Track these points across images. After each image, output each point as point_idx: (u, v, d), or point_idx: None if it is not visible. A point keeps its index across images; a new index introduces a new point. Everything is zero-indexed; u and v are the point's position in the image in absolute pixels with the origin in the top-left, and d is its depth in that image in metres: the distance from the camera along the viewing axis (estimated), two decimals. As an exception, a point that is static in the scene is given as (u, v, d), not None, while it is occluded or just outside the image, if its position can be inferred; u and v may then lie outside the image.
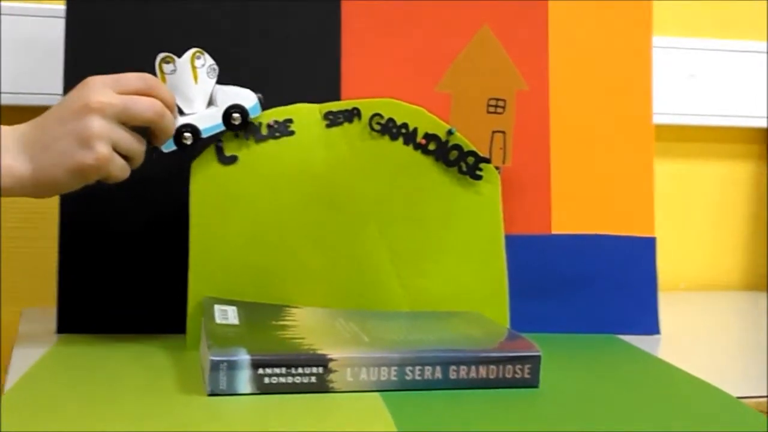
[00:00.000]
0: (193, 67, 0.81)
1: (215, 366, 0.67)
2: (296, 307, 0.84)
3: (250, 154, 0.84)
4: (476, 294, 0.87)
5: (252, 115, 0.83)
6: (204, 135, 0.82)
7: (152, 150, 0.78)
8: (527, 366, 0.73)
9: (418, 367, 0.71)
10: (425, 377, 0.71)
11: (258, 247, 0.84)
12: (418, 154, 0.87)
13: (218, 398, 0.67)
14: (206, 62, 0.82)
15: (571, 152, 0.95)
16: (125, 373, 0.74)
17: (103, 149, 0.72)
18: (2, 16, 1.04)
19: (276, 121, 0.85)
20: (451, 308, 0.87)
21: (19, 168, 0.73)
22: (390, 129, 0.86)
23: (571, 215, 0.94)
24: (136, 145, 0.76)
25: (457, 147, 0.87)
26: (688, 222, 1.30)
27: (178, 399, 0.68)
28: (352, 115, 0.86)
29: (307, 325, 0.78)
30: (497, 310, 0.87)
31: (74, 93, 0.75)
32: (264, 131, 0.85)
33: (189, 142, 0.81)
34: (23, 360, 0.77)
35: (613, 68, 0.96)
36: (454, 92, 0.93)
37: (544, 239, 0.94)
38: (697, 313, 1.15)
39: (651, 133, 0.97)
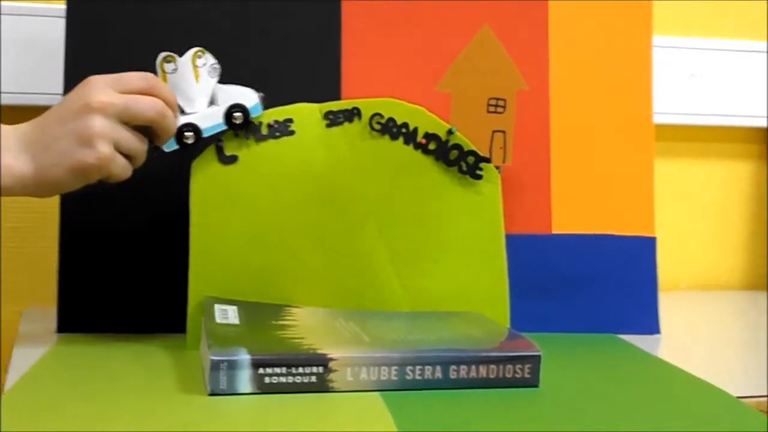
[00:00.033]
0: (195, 67, 0.81)
1: (215, 366, 0.67)
2: (296, 307, 0.84)
3: (250, 153, 0.84)
4: (476, 294, 0.87)
5: (253, 115, 0.83)
6: (205, 134, 0.82)
7: (153, 149, 0.78)
8: (527, 366, 0.73)
9: (418, 367, 0.71)
10: (425, 377, 0.71)
11: (258, 247, 0.84)
12: (418, 154, 0.87)
13: (218, 398, 0.67)
14: (207, 61, 0.82)
15: (571, 152, 0.95)
16: (125, 373, 0.74)
17: (104, 148, 0.72)
18: (2, 16, 1.04)
19: (276, 121, 0.85)
20: (451, 308, 0.87)
21: (20, 167, 0.73)
22: (390, 128, 0.86)
23: (572, 215, 0.94)
24: (137, 145, 0.76)
25: (458, 146, 0.87)
26: (688, 222, 1.30)
27: (179, 399, 0.68)
28: (352, 114, 0.86)
29: (307, 325, 0.78)
30: (497, 309, 0.87)
31: (75, 92, 0.75)
32: (264, 131, 0.85)
33: (190, 142, 0.81)
34: (23, 359, 0.77)
35: (613, 68, 0.96)
36: (455, 92, 0.93)
37: (545, 239, 0.94)
38: (697, 313, 1.15)
39: (651, 133, 0.97)
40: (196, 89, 0.81)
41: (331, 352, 0.70)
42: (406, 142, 0.87)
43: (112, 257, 0.88)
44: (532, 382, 0.73)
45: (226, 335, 0.72)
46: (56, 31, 0.95)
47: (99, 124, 0.72)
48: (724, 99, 1.26)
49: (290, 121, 0.85)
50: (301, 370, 0.69)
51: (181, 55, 0.81)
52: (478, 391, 0.71)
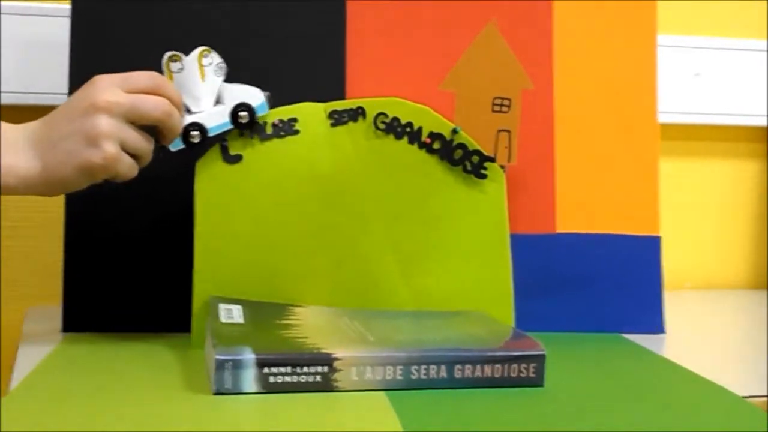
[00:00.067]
0: (201, 66, 0.81)
1: (220, 365, 0.67)
2: (301, 306, 0.84)
3: (254, 153, 0.84)
4: (481, 293, 0.87)
5: (259, 114, 0.83)
6: (211, 133, 0.82)
7: (160, 149, 0.79)
8: (532, 365, 0.73)
9: (423, 366, 0.71)
10: (430, 376, 0.71)
11: (263, 246, 0.84)
12: (422, 153, 0.87)
13: (223, 397, 0.67)
14: (213, 60, 0.82)
15: (576, 151, 0.95)
16: (131, 372, 0.74)
17: (110, 148, 0.73)
18: (3, 16, 1.04)
19: (281, 120, 0.85)
20: (456, 307, 0.87)
21: (26, 166, 0.73)
22: (394, 128, 0.86)
23: (576, 214, 0.94)
24: (143, 144, 0.76)
25: (462, 146, 0.87)
26: (693, 221, 1.30)
27: (184, 398, 0.68)
28: (356, 114, 0.86)
29: (312, 324, 0.78)
30: (502, 309, 0.87)
31: (82, 92, 0.75)
32: (269, 130, 0.85)
33: (196, 141, 0.81)
34: (29, 359, 0.77)
35: (618, 67, 0.96)
36: (459, 91, 0.93)
37: (549, 238, 0.94)
38: (702, 312, 1.15)
39: (656, 132, 0.97)
40: (202, 88, 0.81)
41: (336, 352, 0.70)
42: (411, 142, 0.87)
43: (118, 257, 0.88)
44: (537, 382, 0.73)
45: (231, 335, 0.73)
46: (56, 30, 0.95)
47: (105, 123, 0.72)
48: (729, 98, 1.26)
49: (295, 120, 0.85)
50: (305, 369, 0.69)
51: (187, 54, 0.81)
52: (483, 390, 0.71)
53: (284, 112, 0.85)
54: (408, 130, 0.86)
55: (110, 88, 0.74)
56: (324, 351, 0.70)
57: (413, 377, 0.71)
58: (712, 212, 1.31)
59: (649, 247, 0.95)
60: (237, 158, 0.84)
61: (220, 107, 0.82)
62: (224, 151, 0.84)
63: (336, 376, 0.69)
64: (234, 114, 0.82)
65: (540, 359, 0.73)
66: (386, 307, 0.86)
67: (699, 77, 1.25)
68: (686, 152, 1.29)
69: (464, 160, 0.87)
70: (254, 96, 0.83)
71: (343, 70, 0.92)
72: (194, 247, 0.83)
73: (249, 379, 0.68)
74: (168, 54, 0.80)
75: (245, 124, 0.83)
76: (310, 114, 0.86)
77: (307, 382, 0.69)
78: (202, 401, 0.67)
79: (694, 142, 1.30)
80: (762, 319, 1.09)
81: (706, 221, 1.31)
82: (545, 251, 0.93)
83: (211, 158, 0.84)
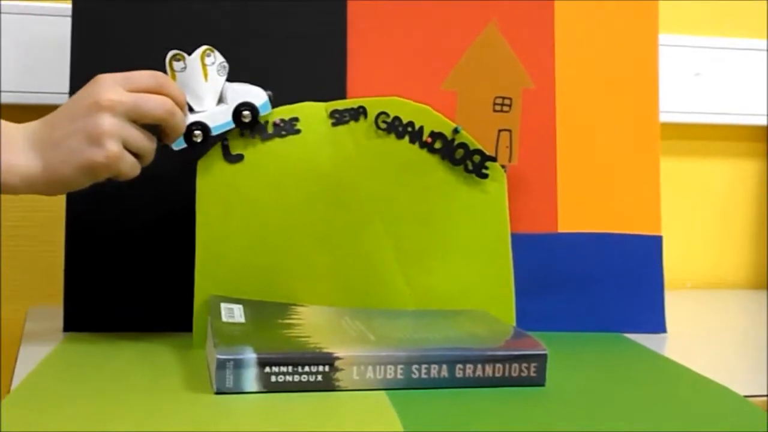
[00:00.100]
0: (204, 65, 0.81)
1: (222, 364, 0.67)
2: (302, 306, 0.84)
3: (256, 152, 0.84)
4: (482, 292, 0.87)
5: (262, 113, 0.83)
6: (214, 133, 0.82)
7: (162, 148, 0.78)
8: (533, 364, 0.73)
9: (424, 366, 0.71)
10: (431, 376, 0.71)
11: (264, 246, 0.84)
12: (423, 153, 0.87)
13: (225, 396, 0.67)
14: (216, 60, 0.82)
15: (577, 150, 0.95)
16: (132, 372, 0.74)
17: (113, 147, 0.73)
18: (4, 15, 1.04)
19: (282, 120, 0.85)
20: (457, 306, 0.87)
21: (28, 165, 0.73)
22: (396, 127, 0.86)
23: (578, 214, 0.94)
24: (146, 143, 0.76)
25: (463, 145, 0.87)
26: (694, 220, 1.30)
27: (185, 397, 0.68)
28: (358, 113, 0.86)
29: (313, 324, 0.78)
30: (503, 308, 0.87)
31: (85, 90, 0.75)
32: (270, 130, 0.85)
33: (199, 140, 0.81)
34: (30, 358, 0.77)
35: (619, 67, 0.96)
36: (460, 90, 0.93)
37: (551, 238, 0.94)
38: (703, 312, 1.15)
39: (657, 132, 0.96)
40: (205, 87, 0.81)
41: (337, 351, 0.70)
42: (412, 141, 0.87)
43: (118, 256, 0.88)
44: (538, 381, 0.73)
45: (232, 334, 0.73)
46: (57, 30, 0.95)
47: (108, 122, 0.72)
48: (729, 98, 1.26)
49: (296, 119, 0.85)
50: (307, 368, 0.69)
51: (189, 53, 0.81)
52: (484, 390, 0.71)
53: (285, 112, 0.85)
54: (409, 129, 0.86)
55: (113, 87, 0.74)
56: (325, 350, 0.70)
57: (414, 377, 0.71)
58: (713, 212, 1.31)
59: (651, 247, 0.95)
60: (238, 158, 0.84)
61: (222, 106, 0.82)
62: (225, 150, 0.84)
63: (337, 375, 0.69)
64: (237, 113, 0.82)
65: (541, 359, 0.73)
66: (387, 307, 0.86)
67: (699, 77, 1.24)
68: (686, 152, 1.29)
69: (465, 159, 0.87)
70: (257, 95, 0.83)
71: (344, 70, 0.92)
72: (195, 247, 0.83)
73: (250, 379, 0.68)
74: (171, 53, 0.80)
75: (248, 124, 0.83)
76: (312, 113, 0.86)
77: (308, 382, 0.69)
78: (203, 401, 0.67)
79: (694, 142, 1.30)
80: (762, 319, 1.09)
81: (706, 221, 1.31)
82: (546, 251, 0.93)
83: (212, 158, 0.84)
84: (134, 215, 0.89)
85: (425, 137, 0.87)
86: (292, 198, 0.85)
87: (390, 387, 0.70)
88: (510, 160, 0.93)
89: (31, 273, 1.10)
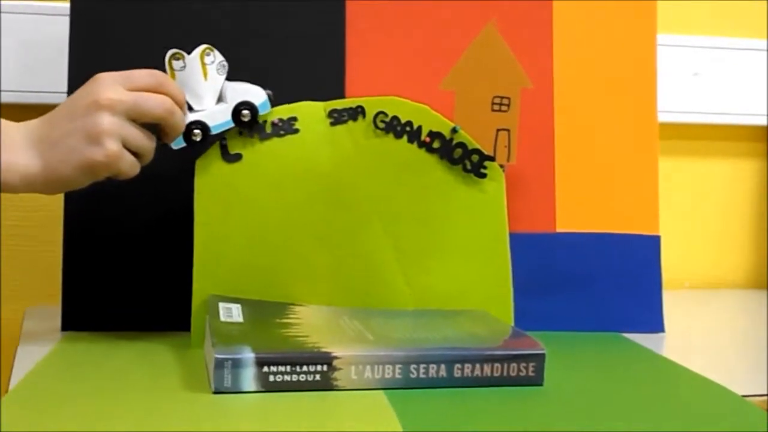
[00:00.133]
0: (203, 64, 0.81)
1: (220, 364, 0.67)
2: (301, 305, 0.84)
3: (254, 152, 0.84)
4: (481, 292, 0.87)
5: (261, 112, 0.83)
6: (213, 132, 0.82)
7: (161, 147, 0.78)
8: (532, 364, 0.73)
9: (422, 365, 0.71)
10: (430, 375, 0.71)
11: (262, 245, 0.84)
12: (422, 152, 0.87)
13: (223, 396, 0.67)
14: (216, 59, 0.81)
15: (575, 150, 0.95)
16: (130, 371, 0.74)
17: (112, 146, 0.73)
18: (4, 15, 1.04)
19: (280, 119, 0.85)
20: (455, 306, 0.86)
21: (27, 164, 0.73)
22: (394, 127, 0.86)
23: (576, 213, 0.94)
24: (146, 142, 0.76)
25: (462, 145, 0.87)
26: (692, 220, 1.30)
27: (183, 397, 0.68)
28: (356, 113, 0.86)
29: (311, 323, 0.78)
30: (502, 308, 0.87)
31: (84, 89, 0.75)
32: (268, 129, 0.85)
33: (198, 139, 0.81)
34: (28, 358, 0.77)
35: (617, 67, 0.96)
36: (459, 90, 0.93)
37: (549, 237, 0.94)
38: (701, 312, 1.15)
39: (655, 132, 0.97)
40: (205, 87, 0.81)
41: (336, 351, 0.70)
42: (410, 141, 0.87)
43: (117, 255, 0.88)
44: (537, 381, 0.73)
45: (230, 333, 0.73)
46: (56, 29, 0.95)
47: (107, 121, 0.72)
48: (728, 97, 1.26)
49: (294, 119, 0.85)
50: (305, 368, 0.69)
51: (189, 52, 0.81)
52: (483, 389, 0.71)
53: (284, 111, 0.85)
54: (407, 129, 0.86)
55: (112, 86, 0.74)
56: (323, 350, 0.70)
57: (412, 376, 0.71)
58: (711, 212, 1.31)
59: (649, 247, 0.95)
60: (236, 157, 0.84)
61: (222, 105, 0.82)
62: (224, 150, 0.84)
63: (335, 375, 0.69)
64: (236, 112, 0.82)
65: (539, 358, 0.73)
66: (386, 306, 0.86)
67: (698, 76, 1.25)
68: (685, 152, 1.29)
69: (464, 159, 0.87)
70: (256, 94, 0.83)
71: (343, 70, 0.92)
72: (194, 246, 0.83)
73: (248, 378, 0.68)
74: (170, 52, 0.80)
75: (247, 123, 0.83)
76: (310, 113, 0.86)
77: (307, 381, 0.69)
78: (201, 400, 0.67)
79: (693, 142, 1.30)
80: (761, 319, 1.09)
81: (705, 221, 1.31)
82: (545, 250, 0.93)
83: (210, 157, 0.84)
84: (133, 214, 0.88)
85: (423, 137, 0.87)
86: (291, 197, 0.85)
87: (388, 387, 0.70)
88: (508, 160, 0.93)
89: (29, 273, 1.10)
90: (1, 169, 0.72)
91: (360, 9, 0.93)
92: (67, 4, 0.89)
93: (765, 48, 1.26)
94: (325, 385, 0.69)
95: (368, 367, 0.70)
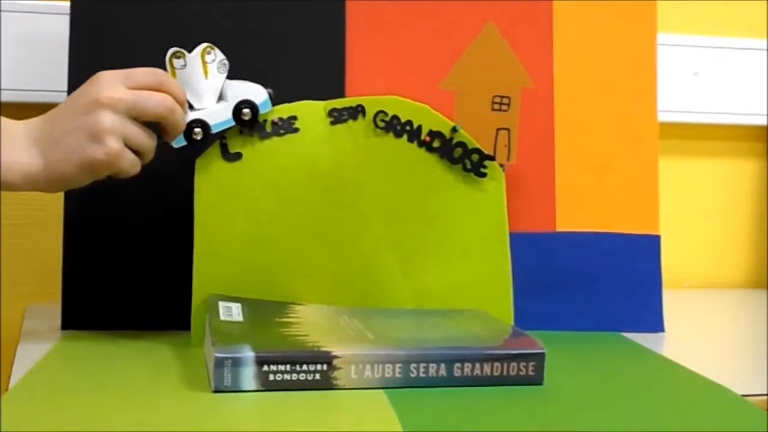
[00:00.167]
0: (204, 62, 0.81)
1: (220, 363, 0.67)
2: (300, 304, 0.84)
3: (254, 151, 0.84)
4: (480, 291, 0.87)
5: (262, 111, 0.83)
6: (214, 130, 0.82)
7: (162, 145, 0.78)
8: (531, 363, 0.73)
9: (422, 365, 0.71)
10: (430, 374, 0.71)
11: (262, 244, 0.84)
12: (422, 152, 0.87)
13: (223, 395, 0.67)
14: (216, 57, 0.81)
15: (575, 150, 0.95)
16: (130, 370, 0.74)
17: (113, 144, 0.72)
18: (3, 13, 1.04)
19: (280, 118, 0.85)
20: (455, 305, 0.87)
21: (29, 162, 0.73)
22: (394, 126, 0.86)
23: (576, 213, 0.94)
24: (146, 140, 0.76)
25: (462, 144, 0.87)
26: (692, 220, 1.30)
27: (183, 396, 0.68)
28: (356, 112, 0.86)
29: (311, 322, 0.78)
30: (501, 307, 0.87)
31: (85, 88, 0.75)
32: (268, 128, 0.85)
33: (199, 138, 0.81)
34: (28, 356, 0.77)
35: (617, 66, 0.96)
36: (459, 89, 0.93)
37: (549, 237, 0.94)
38: (701, 311, 1.15)
39: (656, 131, 0.97)
40: (205, 85, 0.81)
41: (335, 350, 0.70)
42: (410, 140, 0.87)
43: (117, 254, 0.88)
44: (537, 380, 0.73)
45: (230, 332, 0.73)
46: (56, 28, 0.95)
47: (108, 119, 0.72)
48: (727, 97, 1.26)
49: (294, 118, 0.85)
50: (305, 367, 0.69)
51: (189, 51, 0.81)
52: (483, 388, 0.71)
53: (284, 110, 0.85)
54: (407, 128, 0.86)
55: (113, 84, 0.74)
56: (323, 349, 0.70)
57: (412, 375, 0.71)
58: (711, 211, 1.31)
59: (649, 246, 0.95)
60: (236, 156, 0.84)
61: (222, 104, 0.82)
62: (224, 149, 0.84)
63: (335, 374, 0.69)
64: (237, 111, 0.82)
65: (539, 358, 0.73)
66: (386, 305, 0.86)
67: (698, 76, 1.25)
68: (685, 151, 1.29)
69: (464, 158, 0.87)
70: (257, 93, 0.83)
71: (343, 69, 0.92)
72: (194, 245, 0.83)
73: (248, 377, 0.68)
74: (171, 50, 0.80)
75: (248, 122, 0.83)
76: (310, 112, 0.86)
77: (307, 380, 0.69)
78: (201, 399, 0.67)
79: (692, 141, 1.30)
80: (761, 318, 1.09)
81: (705, 220, 1.31)
82: (544, 250, 0.93)
83: (210, 156, 0.84)
84: (133, 213, 0.88)
85: (423, 136, 0.87)
86: (290, 196, 0.85)
87: (388, 386, 0.70)
88: (508, 159, 0.93)
89: (29, 271, 1.10)
90: (3, 167, 0.72)
91: (360, 9, 0.93)
92: (66, 3, 0.89)
93: (765, 48, 1.26)
94: (325, 384, 0.69)
95: (368, 367, 0.70)
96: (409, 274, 0.87)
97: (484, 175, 0.87)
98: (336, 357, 0.69)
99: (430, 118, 0.87)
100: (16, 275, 1.10)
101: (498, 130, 0.93)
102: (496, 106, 0.93)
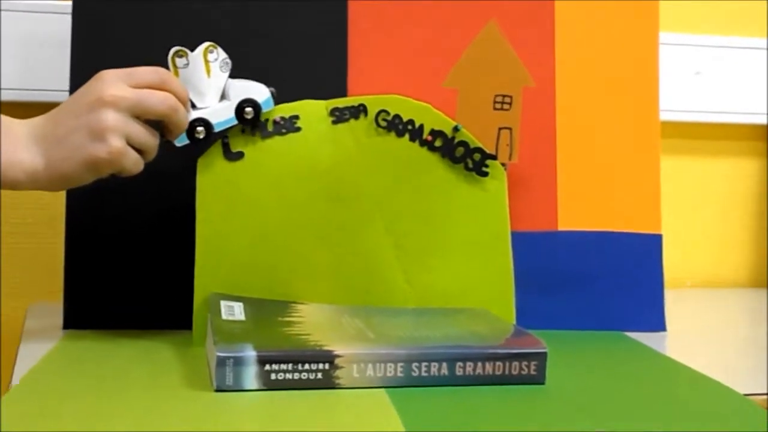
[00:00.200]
0: (206, 61, 0.81)
1: (222, 362, 0.67)
2: (302, 304, 0.84)
3: (256, 150, 0.84)
4: (482, 290, 0.87)
5: (264, 110, 0.83)
6: (216, 129, 0.82)
7: (164, 144, 0.78)
8: (533, 363, 0.73)
9: (424, 364, 0.71)
10: (431, 373, 0.71)
11: (264, 243, 0.84)
12: (424, 151, 0.87)
13: (225, 394, 0.67)
14: (219, 56, 0.81)
15: (577, 149, 0.95)
16: (132, 369, 0.74)
17: (116, 142, 0.73)
18: (4, 13, 1.04)
19: (282, 118, 0.85)
20: (456, 304, 0.86)
21: (31, 161, 0.73)
22: (396, 125, 0.86)
23: (578, 212, 0.94)
24: (149, 139, 0.76)
25: (464, 143, 0.87)
26: (694, 219, 1.30)
27: (185, 395, 0.68)
28: (358, 111, 0.86)
29: (313, 322, 0.78)
30: (503, 306, 0.87)
31: (88, 86, 0.75)
32: (270, 127, 0.85)
33: (201, 137, 0.81)
34: (30, 355, 0.77)
35: (619, 65, 0.96)
36: (461, 89, 0.93)
37: (551, 236, 0.94)
38: (703, 310, 1.15)
39: (657, 130, 0.96)
40: (208, 84, 0.81)
41: (337, 349, 0.70)
42: (412, 139, 0.87)
43: (118, 253, 0.88)
44: (539, 380, 0.73)
45: (232, 331, 0.73)
46: (57, 27, 0.95)
47: (111, 118, 0.72)
48: (729, 96, 1.26)
49: (296, 117, 0.85)
50: (307, 366, 0.69)
51: (192, 49, 0.81)
52: (484, 388, 0.71)
53: (286, 110, 0.85)
54: (409, 127, 0.86)
55: (116, 83, 0.74)
56: (325, 348, 0.70)
57: (414, 374, 0.71)
58: (713, 210, 1.31)
59: (651, 245, 0.95)
60: (238, 155, 0.84)
61: (225, 103, 0.82)
62: (225, 148, 0.84)
63: (337, 373, 0.69)
64: (239, 110, 0.82)
65: (541, 357, 0.73)
66: (387, 305, 0.86)
67: (699, 75, 1.24)
68: (686, 150, 1.29)
69: (466, 157, 0.87)
70: (259, 92, 0.83)
71: (345, 69, 0.92)
72: (196, 244, 0.83)
73: (250, 376, 0.68)
74: (174, 49, 0.80)
75: (250, 120, 0.83)
76: (312, 111, 0.86)
77: (309, 380, 0.69)
78: (203, 398, 0.67)
79: (694, 141, 1.30)
80: (762, 318, 1.09)
81: (706, 219, 1.31)
82: (546, 249, 0.93)
83: (212, 155, 0.84)
84: (135, 212, 0.89)
85: (425, 135, 0.87)
86: (292, 196, 0.85)
87: (390, 385, 0.70)
88: (510, 159, 0.93)
89: (31, 270, 1.10)
90: (6, 166, 0.72)
91: (362, 8, 0.93)
92: (67, 2, 0.89)
93: (766, 47, 1.25)
94: (327, 383, 0.69)
95: (370, 366, 0.70)
96: (411, 274, 0.87)
97: (485, 174, 0.87)
98: (338, 356, 0.69)
99: (432, 117, 0.86)
100: (18, 274, 1.10)
101: (500, 129, 0.93)
102: (498, 106, 0.93)
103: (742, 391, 0.73)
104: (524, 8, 0.95)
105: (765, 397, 0.74)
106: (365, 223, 0.86)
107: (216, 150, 0.84)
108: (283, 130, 0.85)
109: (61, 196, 0.87)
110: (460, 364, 0.72)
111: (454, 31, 0.93)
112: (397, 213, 0.87)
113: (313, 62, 0.92)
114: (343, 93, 0.91)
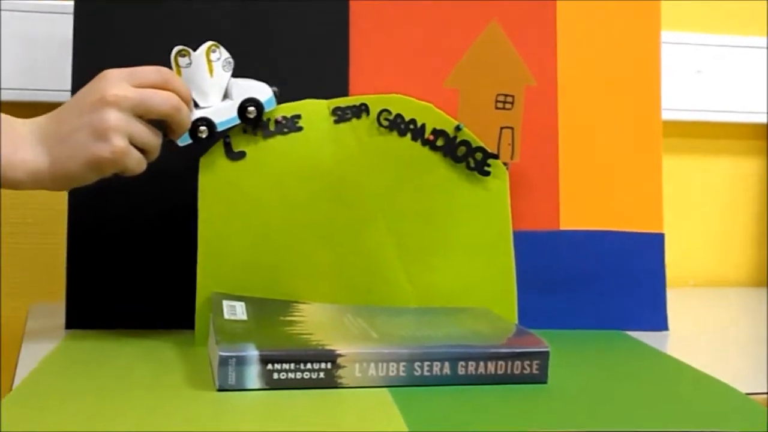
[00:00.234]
0: (209, 61, 0.81)
1: (224, 361, 0.67)
2: (304, 303, 0.84)
3: (258, 149, 0.84)
4: (484, 290, 0.87)
5: (267, 109, 0.83)
6: (219, 128, 0.82)
7: (167, 143, 0.78)
8: (536, 362, 0.73)
9: (426, 363, 0.71)
10: (433, 373, 0.71)
11: (266, 243, 0.84)
12: (426, 150, 0.87)
13: (227, 393, 0.67)
14: (221, 55, 0.81)
15: (579, 148, 0.95)
16: (134, 369, 0.74)
17: (119, 142, 0.73)
18: (5, 13, 1.04)
19: (284, 117, 0.85)
20: (459, 304, 0.86)
21: (35, 161, 0.73)
22: (398, 125, 0.86)
23: (580, 211, 0.94)
24: (152, 139, 0.76)
25: (466, 143, 0.87)
26: (696, 218, 1.30)
27: (187, 394, 0.68)
28: (360, 110, 0.86)
29: (315, 321, 0.78)
30: (505, 306, 0.87)
31: (90, 86, 0.75)
32: (272, 127, 0.85)
33: (204, 136, 0.81)
34: (32, 355, 0.77)
35: (621, 65, 0.96)
36: (463, 88, 0.93)
37: (553, 235, 0.94)
38: (705, 310, 1.15)
39: (659, 130, 0.96)
40: (210, 83, 0.81)
41: (339, 348, 0.70)
42: (414, 139, 0.87)
43: (120, 253, 0.88)
44: (541, 379, 0.73)
45: (234, 331, 0.73)
46: (58, 27, 0.95)
47: (114, 117, 0.72)
48: (730, 95, 1.26)
49: (298, 117, 0.85)
50: (309, 366, 0.69)
51: (195, 49, 0.81)
52: (487, 387, 0.71)
53: (288, 109, 0.85)
54: (411, 127, 0.86)
55: (119, 83, 0.74)
56: (327, 347, 0.70)
57: (416, 374, 0.71)
58: (714, 209, 1.31)
59: (653, 244, 0.95)
60: (240, 155, 0.84)
61: (228, 102, 0.82)
62: (228, 147, 0.84)
63: (339, 372, 0.69)
64: (242, 109, 0.82)
65: (543, 356, 0.73)
66: (390, 304, 0.86)
67: (701, 74, 1.24)
68: (688, 149, 1.29)
69: (468, 157, 0.87)
70: (262, 91, 0.83)
71: (347, 69, 0.92)
72: (198, 244, 0.83)
73: (252, 376, 0.68)
74: (176, 49, 0.80)
75: (253, 120, 0.83)
76: (314, 111, 0.86)
77: (311, 379, 0.69)
78: (205, 398, 0.67)
79: (695, 140, 1.30)
80: (764, 317, 1.09)
81: (707, 218, 1.31)
82: (548, 248, 0.93)
83: (214, 155, 0.84)
84: (137, 211, 0.88)
85: (427, 135, 0.87)
86: (294, 195, 0.85)
87: (392, 384, 0.70)
88: (512, 158, 0.93)
89: (32, 270, 1.10)
90: (9, 165, 0.72)
91: (364, 8, 0.93)
92: (68, 2, 0.89)
93: (766, 46, 1.25)
94: (330, 382, 0.69)
95: (372, 365, 0.70)
96: (413, 273, 0.87)
97: (487, 173, 0.87)
98: (340, 355, 0.69)
99: (434, 116, 0.86)
100: (19, 274, 1.10)
101: (502, 128, 0.93)
102: (500, 105, 0.93)
103: (743, 390, 0.73)
104: (526, 8, 0.95)
105: (766, 396, 0.74)
106: (367, 223, 0.86)
107: (218, 149, 0.84)
108: (285, 130, 0.85)
109: (62, 196, 0.87)
110: (462, 363, 0.72)
111: (455, 30, 0.93)
112: (399, 212, 0.87)
113: (314, 62, 0.92)
114: (344, 92, 0.91)
